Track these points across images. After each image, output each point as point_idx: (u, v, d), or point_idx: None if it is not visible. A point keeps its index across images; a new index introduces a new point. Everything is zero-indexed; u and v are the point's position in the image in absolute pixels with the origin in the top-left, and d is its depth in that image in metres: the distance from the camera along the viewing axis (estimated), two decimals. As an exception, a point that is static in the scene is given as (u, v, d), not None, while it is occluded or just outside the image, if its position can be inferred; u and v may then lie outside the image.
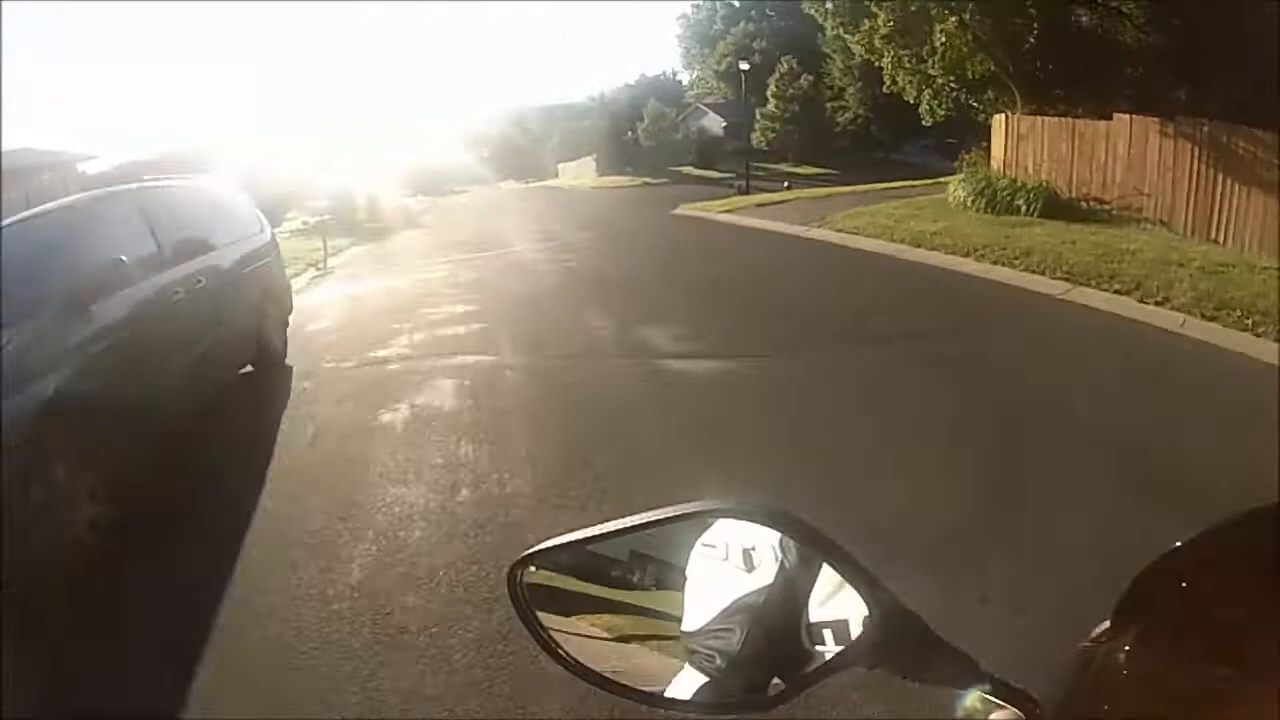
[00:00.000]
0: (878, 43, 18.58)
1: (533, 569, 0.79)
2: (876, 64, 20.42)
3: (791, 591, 0.72)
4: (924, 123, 23.37)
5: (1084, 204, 14.00)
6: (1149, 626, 0.74)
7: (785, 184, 29.79)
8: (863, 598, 0.68)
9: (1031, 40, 16.41)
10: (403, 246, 20.51)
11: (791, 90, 47.54)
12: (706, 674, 0.73)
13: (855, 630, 0.69)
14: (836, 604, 0.71)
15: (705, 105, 56.05)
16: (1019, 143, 15.71)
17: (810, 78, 47.22)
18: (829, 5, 20.18)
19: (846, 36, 21.02)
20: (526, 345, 8.18)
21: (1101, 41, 17.08)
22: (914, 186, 22.14)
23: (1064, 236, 11.56)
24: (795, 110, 47.42)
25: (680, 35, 63.46)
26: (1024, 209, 14.03)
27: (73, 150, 31.94)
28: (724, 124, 52.04)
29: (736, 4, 59.48)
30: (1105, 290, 8.86)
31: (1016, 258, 10.37)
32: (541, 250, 15.75)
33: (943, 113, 21.49)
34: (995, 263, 10.42)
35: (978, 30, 16.23)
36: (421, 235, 23.60)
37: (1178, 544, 0.75)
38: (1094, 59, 16.61)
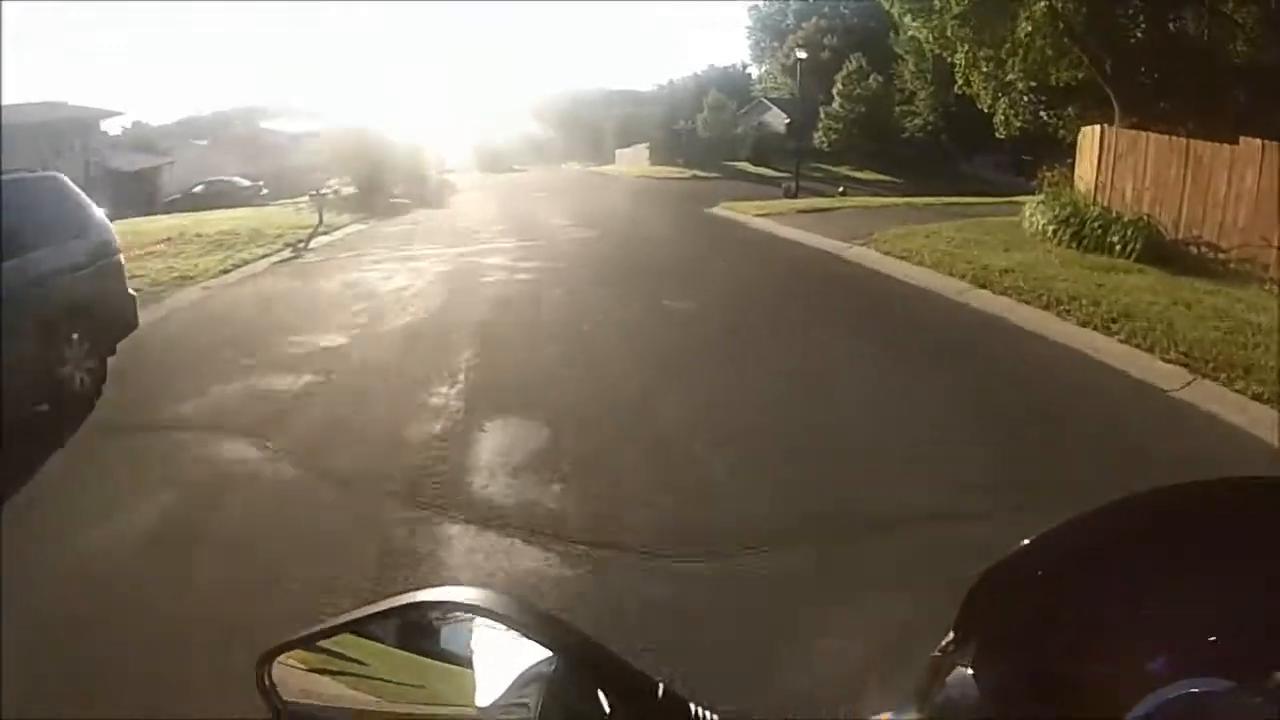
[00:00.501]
0: (951, 32, 15.87)
1: (281, 663, 0.77)
2: (950, 59, 17.64)
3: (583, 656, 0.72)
4: (998, 134, 20.69)
5: (1194, 248, 10.88)
6: (990, 636, 0.82)
7: (840, 189, 27.09)
8: (588, 673, 0.69)
9: (1138, 36, 13.60)
10: (403, 229, 18.53)
11: (859, 90, 44.48)
12: None
13: None
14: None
15: (769, 100, 53.32)
16: (1115, 162, 12.55)
17: (880, 78, 44.26)
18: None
19: (915, 24, 18.09)
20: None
21: (1209, 52, 14.30)
22: (983, 203, 19.20)
23: (1173, 294, 8.62)
24: (861, 111, 44.33)
25: (751, 27, 60.93)
26: (1119, 248, 10.89)
27: (97, 106, 30.92)
28: (787, 120, 49.19)
29: (809, -1, 56.47)
30: (1240, 390, 5.95)
31: (1113, 320, 7.53)
32: (527, 250, 13.65)
33: (1019, 124, 18.66)
34: (1084, 324, 7.62)
35: (1072, 20, 13.47)
36: (435, 216, 21.70)
37: (1008, 554, 0.84)
38: (1205, 70, 13.80)
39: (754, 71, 61.52)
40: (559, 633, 0.69)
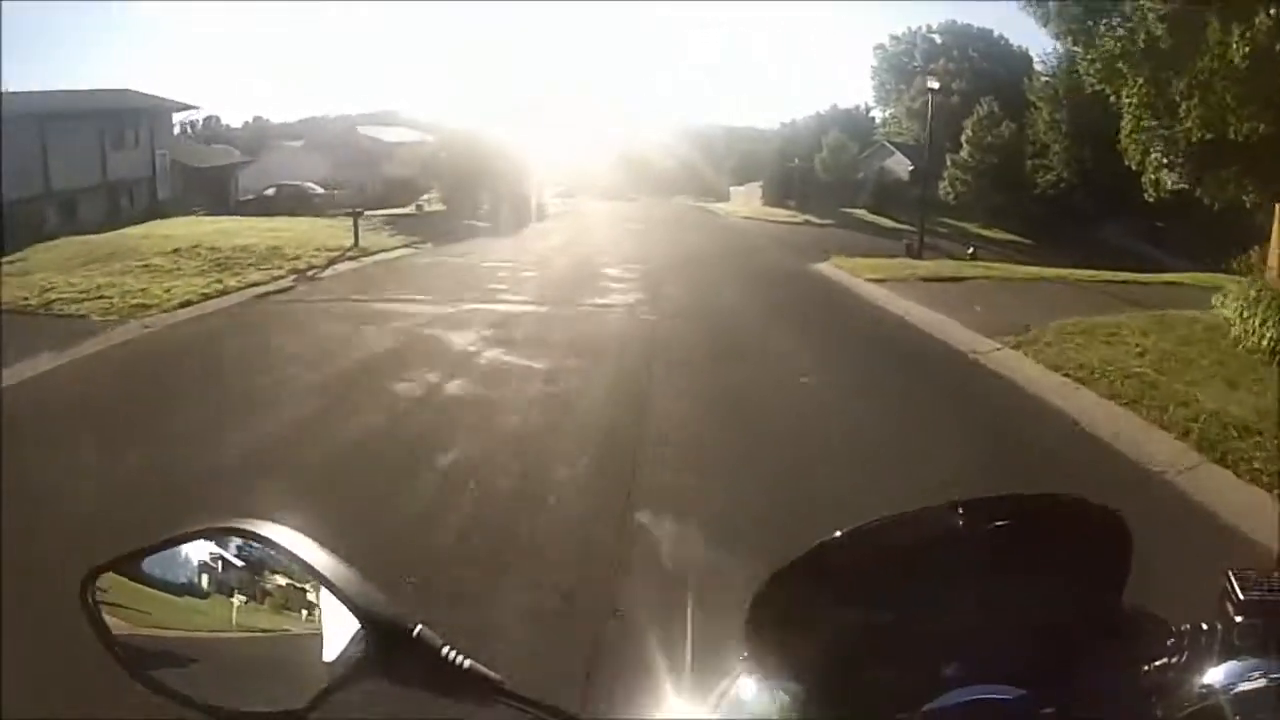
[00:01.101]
0: (1123, 64, 12.43)
1: (106, 580, 0.78)
2: (1114, 95, 13.89)
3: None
4: (1146, 196, 16.80)
5: None
6: (779, 641, 0.84)
7: (970, 250, 23.71)
8: (351, 611, 0.70)
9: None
10: (437, 263, 16.51)
11: (990, 137, 40.48)
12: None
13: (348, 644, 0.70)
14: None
15: (893, 144, 49.76)
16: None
17: (1013, 126, 40.37)
18: (1052, 3, 13.81)
19: (1076, 50, 14.48)
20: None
21: None
22: (1139, 281, 15.44)
23: None
24: (992, 162, 40.31)
25: (875, 68, 56.92)
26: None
27: (169, 98, 29.98)
28: (910, 167, 45.64)
29: (938, 40, 52.68)
30: None
31: None
32: (537, 322, 10.59)
33: (1172, 185, 14.97)
34: None
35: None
36: (493, 248, 19.57)
37: (795, 558, 0.86)
38: None
39: (877, 115, 57.69)
40: (331, 571, 0.70)
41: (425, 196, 28.77)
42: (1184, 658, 0.78)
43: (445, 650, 0.70)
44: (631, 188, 45.87)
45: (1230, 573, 0.78)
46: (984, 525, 0.92)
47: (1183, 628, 0.80)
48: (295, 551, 0.71)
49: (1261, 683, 0.70)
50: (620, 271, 15.08)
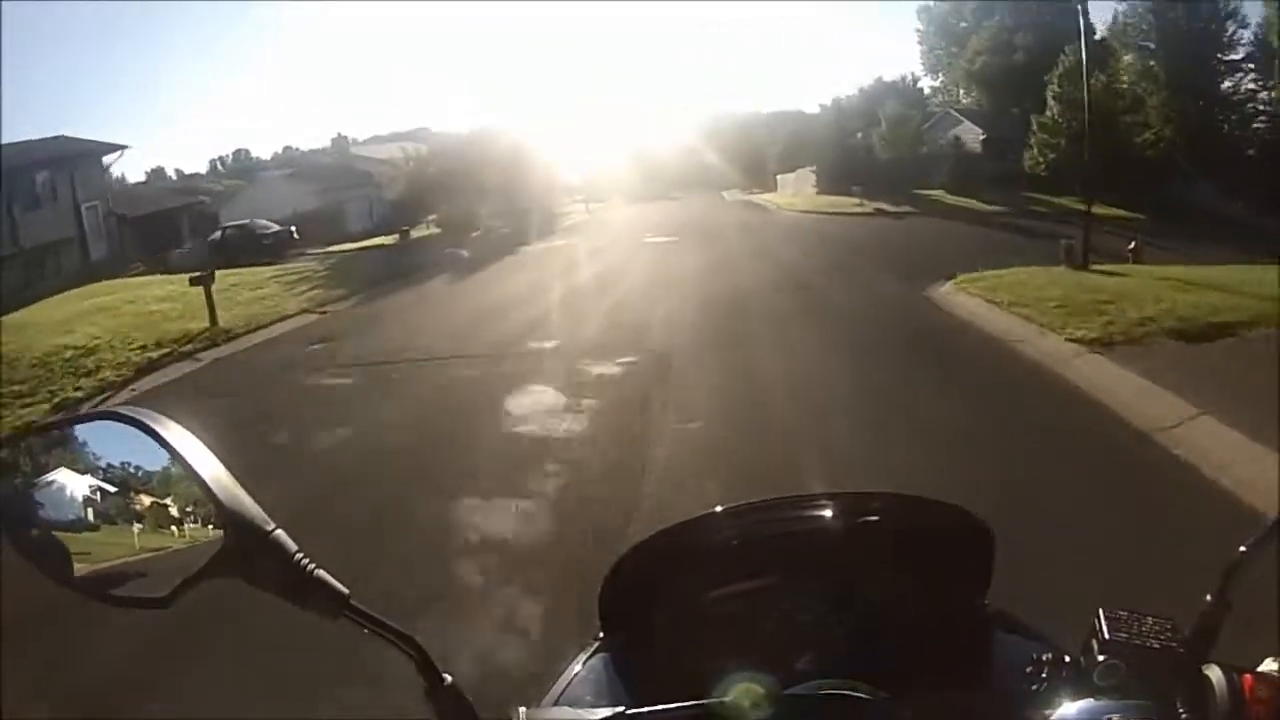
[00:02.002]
0: None
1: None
2: None
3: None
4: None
5: None
6: (628, 626, 0.87)
7: (1131, 244, 16.98)
8: (214, 508, 0.69)
9: None
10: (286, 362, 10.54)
11: (1080, 92, 33.53)
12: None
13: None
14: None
15: (958, 111, 42.92)
16: None
17: (1102, 77, 33.53)
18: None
19: None
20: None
21: None
22: None
23: None
24: (1088, 121, 33.43)
25: (922, 31, 49.61)
26: None
27: (104, 141, 24.79)
28: (983, 136, 38.95)
29: (989, -6, 44.91)
30: None
31: None
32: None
33: None
34: None
35: None
36: (456, 291, 15.37)
37: (641, 542, 0.89)
38: None
39: (926, 84, 50.81)
40: (202, 467, 0.69)
41: (431, 217, 23.62)
42: (1043, 686, 0.76)
43: (298, 556, 0.68)
44: (671, 186, 42.44)
45: (1101, 611, 0.76)
46: (849, 519, 0.97)
47: (1045, 656, 0.79)
48: (173, 444, 0.70)
49: None
50: (612, 365, 8.56)
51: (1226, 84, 34.23)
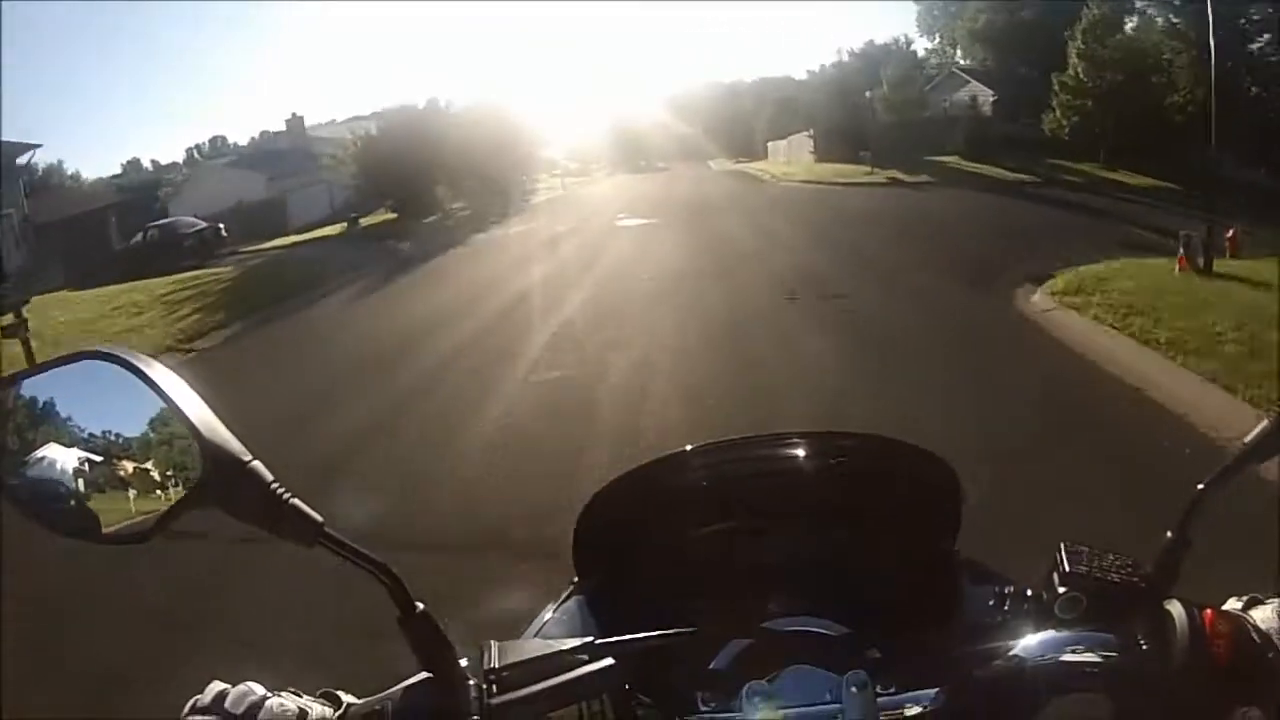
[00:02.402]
0: None
1: None
2: None
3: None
4: None
5: None
6: (599, 566, 0.87)
7: (1229, 231, 13.53)
8: (194, 439, 0.68)
9: None
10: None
11: (1106, 50, 30.17)
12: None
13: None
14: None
15: (963, 71, 39.47)
16: None
17: (1127, 33, 30.47)
18: None
19: None
20: None
21: None
22: None
23: None
24: (1115, 81, 29.98)
25: (915, -10, 45.73)
26: None
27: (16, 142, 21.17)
28: (993, 97, 35.74)
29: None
30: None
31: None
32: None
33: None
34: None
35: None
36: (357, 315, 12.17)
37: (611, 482, 0.91)
38: None
39: (920, 46, 47.08)
40: (182, 400, 0.68)
41: (379, 210, 20.67)
42: (1005, 619, 0.78)
43: (274, 486, 0.68)
44: (656, 157, 41.56)
45: (1062, 545, 0.76)
46: (819, 459, 0.98)
47: (1006, 590, 0.81)
48: (155, 380, 0.70)
49: (1073, 656, 0.69)
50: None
51: (1254, 45, 30.98)
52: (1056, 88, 30.53)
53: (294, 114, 37.17)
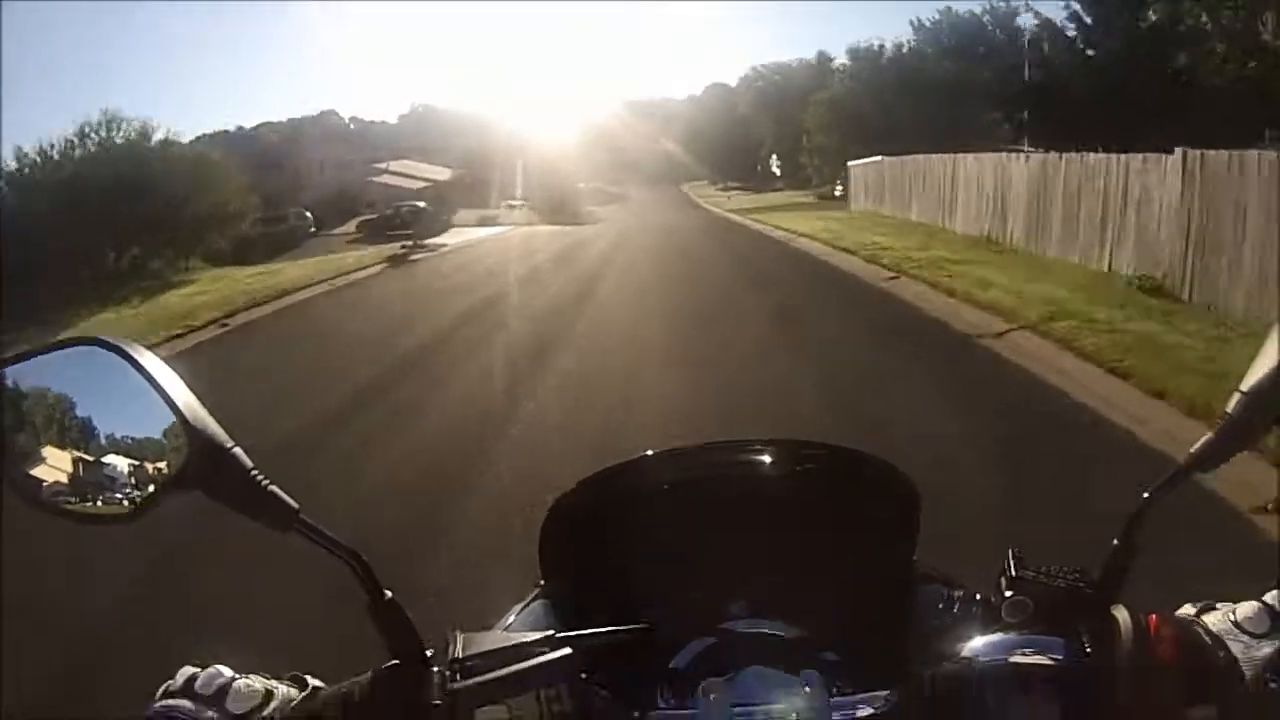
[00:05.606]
0: None
1: None
2: None
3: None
4: None
5: None
6: (564, 567, 0.88)
7: None
8: (179, 424, 0.68)
9: None
10: None
11: (1141, 17, 28.76)
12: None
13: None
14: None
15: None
16: None
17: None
18: None
19: None
20: None
21: None
22: None
23: None
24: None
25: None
26: None
27: None
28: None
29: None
30: None
31: None
32: None
33: None
34: None
35: None
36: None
37: (575, 488, 0.90)
38: None
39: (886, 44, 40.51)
40: (168, 384, 0.69)
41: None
42: (956, 622, 0.79)
43: (253, 472, 0.69)
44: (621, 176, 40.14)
45: (1011, 551, 0.76)
46: (781, 466, 0.98)
47: (957, 594, 0.82)
48: (144, 366, 0.70)
49: (1021, 658, 0.69)
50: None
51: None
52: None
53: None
